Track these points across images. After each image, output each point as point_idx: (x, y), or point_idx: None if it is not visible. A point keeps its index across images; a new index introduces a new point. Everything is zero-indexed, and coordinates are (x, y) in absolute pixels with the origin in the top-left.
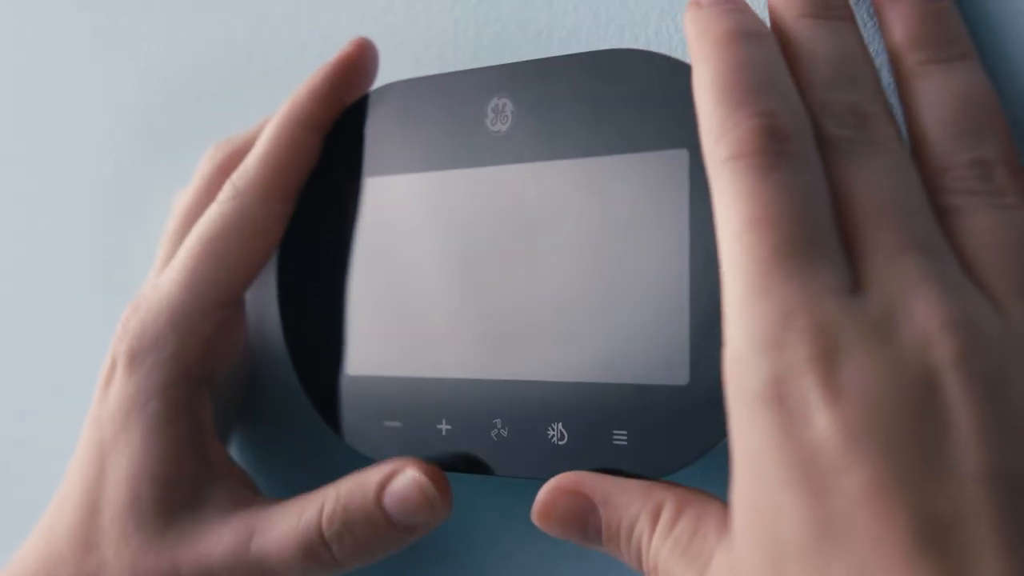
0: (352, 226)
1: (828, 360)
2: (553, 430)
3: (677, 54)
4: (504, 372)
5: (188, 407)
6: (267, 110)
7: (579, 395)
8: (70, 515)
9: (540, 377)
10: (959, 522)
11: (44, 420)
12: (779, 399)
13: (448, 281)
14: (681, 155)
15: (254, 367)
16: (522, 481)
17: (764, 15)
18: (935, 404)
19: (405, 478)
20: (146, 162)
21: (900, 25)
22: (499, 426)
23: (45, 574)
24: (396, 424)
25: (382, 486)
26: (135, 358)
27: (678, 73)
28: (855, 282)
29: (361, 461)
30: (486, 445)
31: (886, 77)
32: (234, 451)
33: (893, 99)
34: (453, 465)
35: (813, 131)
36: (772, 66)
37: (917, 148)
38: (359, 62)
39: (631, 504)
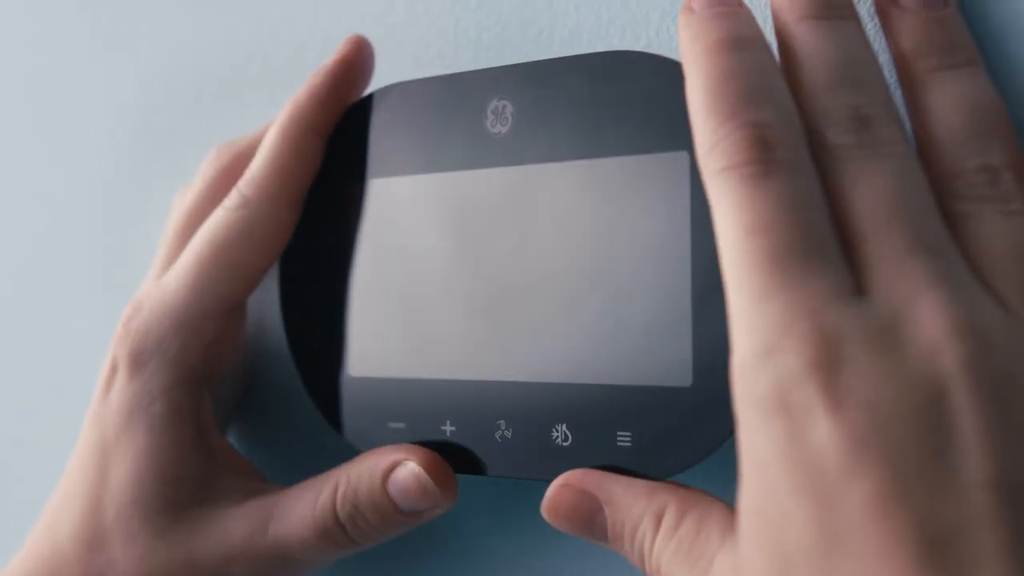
0: (352, 228)
1: (829, 366)
2: (557, 431)
3: (678, 55)
4: (508, 373)
5: (191, 409)
6: (267, 110)
7: (583, 396)
8: (72, 515)
9: (544, 378)
10: (964, 530)
11: (44, 420)
12: (783, 406)
13: (450, 282)
14: (681, 157)
15: (255, 368)
16: (526, 482)
17: (766, 15)
18: (941, 411)
19: (406, 471)
20: (146, 162)
21: (906, 33)
22: (503, 427)
23: (49, 574)
24: (400, 425)
25: (386, 475)
26: (137, 360)
27: (678, 75)
28: (859, 286)
29: None
30: (490, 446)
31: (890, 78)
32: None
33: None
34: (457, 466)
35: (814, 137)
36: (763, 73)
37: (925, 154)
38: (358, 62)
39: (635, 505)
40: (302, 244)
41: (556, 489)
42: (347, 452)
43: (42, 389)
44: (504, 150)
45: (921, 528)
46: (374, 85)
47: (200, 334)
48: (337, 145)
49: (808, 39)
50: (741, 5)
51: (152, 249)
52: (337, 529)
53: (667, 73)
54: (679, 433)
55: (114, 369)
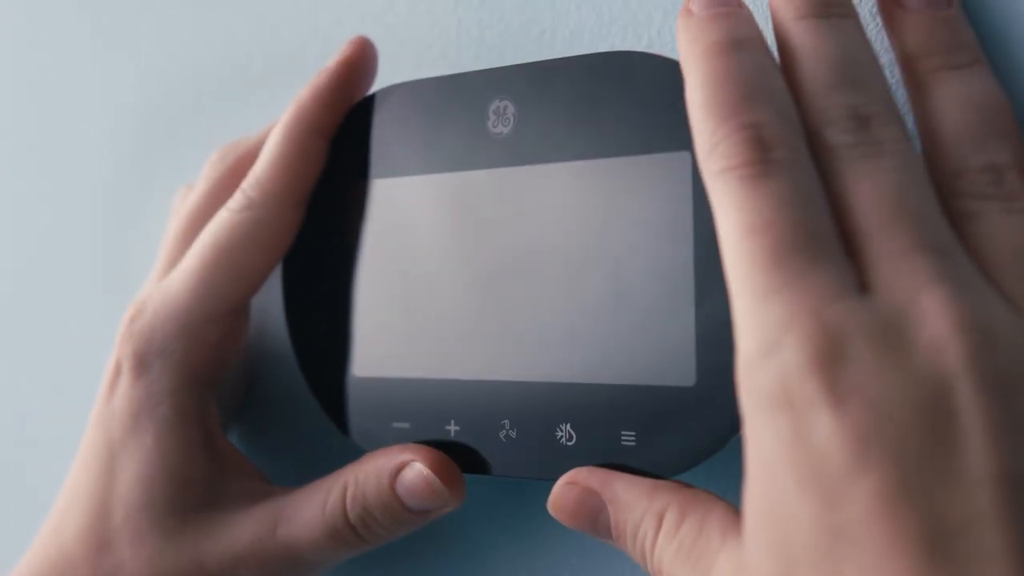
0: (355, 228)
1: (832, 362)
2: (561, 431)
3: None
4: (512, 373)
5: (197, 411)
6: (267, 110)
7: (587, 396)
8: (79, 517)
9: (548, 378)
10: (968, 526)
11: (44, 420)
12: (787, 402)
13: (454, 282)
14: (684, 157)
15: (257, 368)
16: (528, 481)
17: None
18: (945, 407)
19: (413, 472)
20: (146, 162)
21: (909, 33)
22: (507, 427)
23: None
24: (404, 425)
25: (394, 476)
26: (142, 362)
27: (680, 75)
28: (862, 284)
29: None
30: (494, 446)
31: (892, 78)
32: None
33: (898, 98)
34: (461, 466)
35: (815, 138)
36: (761, 73)
37: (929, 154)
38: (361, 63)
39: (637, 505)
40: (305, 245)
41: (561, 487)
42: (350, 452)
43: (42, 389)
44: (506, 150)
45: (925, 525)
46: (376, 85)
47: (205, 336)
48: (339, 145)
49: (806, 38)
50: (740, 5)
51: (152, 249)
52: (348, 530)
53: (669, 73)
54: (682, 433)
55: (118, 371)
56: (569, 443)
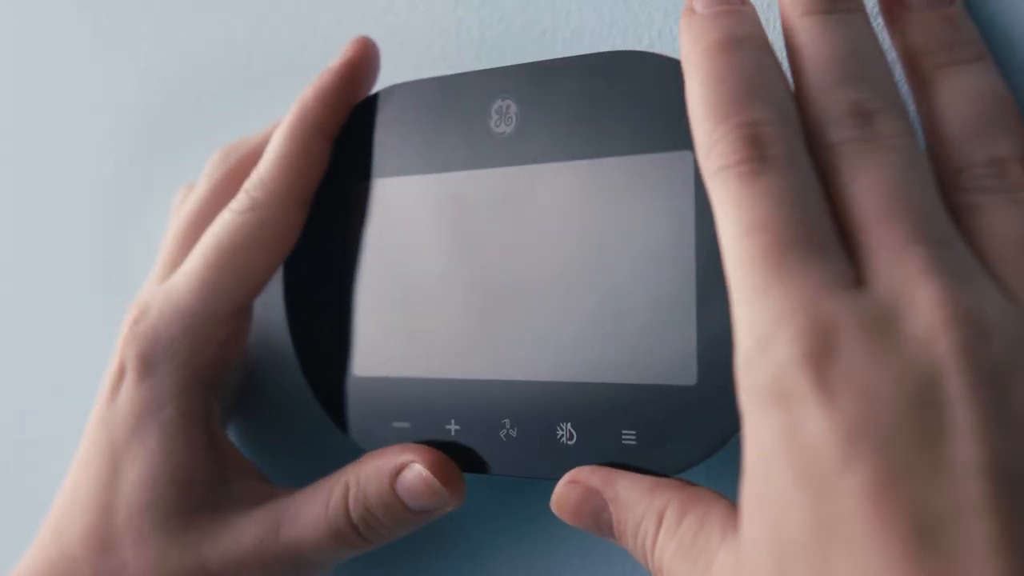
0: (357, 228)
1: (823, 356)
2: (562, 430)
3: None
4: (513, 372)
5: (201, 413)
6: (268, 110)
7: (587, 395)
8: (81, 518)
9: (548, 377)
10: (956, 517)
11: (44, 420)
12: (780, 398)
13: (455, 281)
14: (685, 156)
15: (256, 368)
16: (528, 480)
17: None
18: (935, 398)
19: (413, 473)
20: (146, 162)
21: (912, 32)
22: (508, 426)
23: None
24: (405, 425)
25: (394, 477)
26: (146, 363)
27: (681, 74)
28: (858, 278)
29: None
30: (494, 445)
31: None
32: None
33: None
34: (462, 465)
35: (817, 136)
36: (759, 72)
37: (934, 150)
38: (364, 63)
39: (637, 503)
40: (307, 244)
41: (563, 486)
42: (350, 452)
43: (42, 389)
44: (508, 150)
45: (914, 516)
46: (376, 85)
47: (209, 337)
48: (341, 145)
49: (811, 35)
50: (744, 3)
51: (152, 249)
52: (351, 530)
53: (670, 73)
54: (683, 431)
55: (121, 372)
56: (570, 442)
